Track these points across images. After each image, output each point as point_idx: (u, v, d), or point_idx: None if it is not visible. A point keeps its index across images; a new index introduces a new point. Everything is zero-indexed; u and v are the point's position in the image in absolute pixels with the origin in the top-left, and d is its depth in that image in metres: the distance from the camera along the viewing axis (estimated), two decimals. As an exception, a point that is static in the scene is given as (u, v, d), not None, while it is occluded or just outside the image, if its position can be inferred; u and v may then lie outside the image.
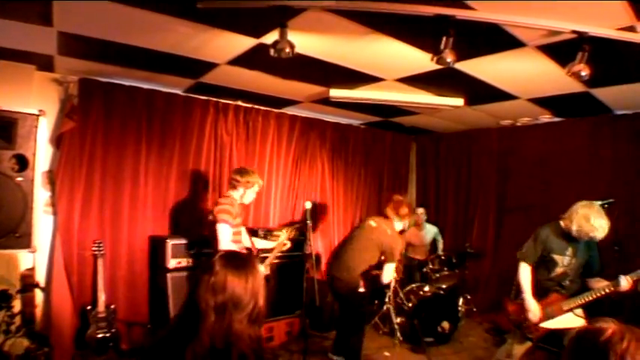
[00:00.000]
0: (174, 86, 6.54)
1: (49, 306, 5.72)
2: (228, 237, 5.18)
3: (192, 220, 6.93)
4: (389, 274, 5.87)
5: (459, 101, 6.56)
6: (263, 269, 5.25)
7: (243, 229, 5.78)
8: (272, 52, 3.93)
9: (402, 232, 6.12)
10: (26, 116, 4.96)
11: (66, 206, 5.87)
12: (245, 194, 5.44)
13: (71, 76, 5.92)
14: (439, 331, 6.55)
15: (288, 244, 5.88)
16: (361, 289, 5.82)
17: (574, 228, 4.65)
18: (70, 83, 5.94)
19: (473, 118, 7.88)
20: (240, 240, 5.47)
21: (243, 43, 4.65)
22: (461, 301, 7.96)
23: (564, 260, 4.78)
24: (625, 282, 4.35)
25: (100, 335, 5.63)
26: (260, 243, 6.03)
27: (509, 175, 8.47)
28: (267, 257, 5.75)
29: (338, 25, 4.06)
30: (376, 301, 7.87)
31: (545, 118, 7.59)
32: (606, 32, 3.83)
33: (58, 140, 5.86)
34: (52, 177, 5.86)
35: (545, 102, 6.55)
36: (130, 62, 5.48)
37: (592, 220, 4.59)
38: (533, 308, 4.77)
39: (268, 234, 6.52)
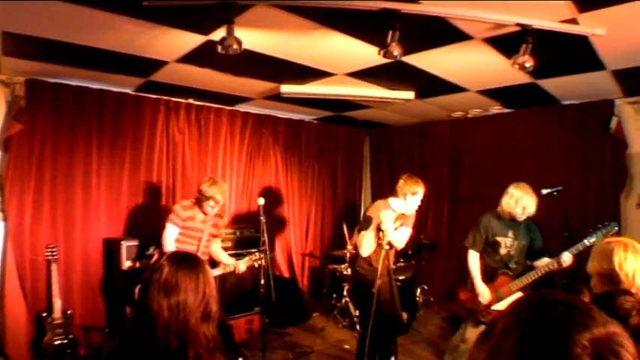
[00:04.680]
0: (124, 85, 6.45)
1: (3, 314, 5.61)
2: (172, 236, 5.24)
3: (147, 221, 6.87)
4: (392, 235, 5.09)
5: (409, 94, 6.61)
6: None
7: (218, 242, 5.81)
8: (219, 48, 3.93)
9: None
10: (-29, 120, 4.82)
11: (16, 211, 5.74)
12: (202, 205, 5.39)
13: (17, 77, 5.77)
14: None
15: (242, 269, 5.62)
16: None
17: (504, 208, 4.97)
18: (16, 84, 5.78)
19: (424, 110, 7.97)
20: (192, 243, 5.39)
21: (192, 40, 4.61)
22: (418, 291, 8.06)
23: (507, 242, 5.04)
24: (567, 257, 4.55)
25: (57, 342, 5.54)
26: (224, 258, 5.90)
27: (462, 166, 8.63)
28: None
29: (285, 20, 4.06)
30: (334, 295, 7.92)
31: (496, 109, 7.73)
32: (549, 25, 3.93)
33: (5, 143, 5.71)
34: (0, 181, 5.71)
35: (494, 93, 6.66)
36: (77, 62, 5.38)
37: (513, 200, 4.95)
38: (483, 291, 4.99)
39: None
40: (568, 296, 1.14)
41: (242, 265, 5.57)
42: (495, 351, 1.12)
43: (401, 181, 5.29)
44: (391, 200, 5.35)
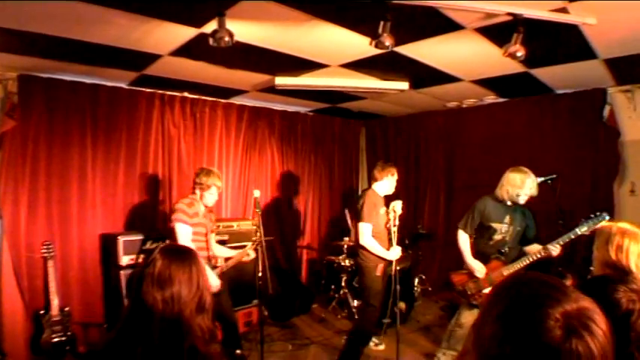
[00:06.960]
0: (117, 80, 6.43)
1: (0, 313, 5.56)
2: (187, 236, 5.01)
3: (143, 216, 6.87)
4: (361, 234, 5.54)
5: (403, 85, 6.62)
6: (215, 281, 5.11)
7: (212, 236, 5.68)
8: (211, 41, 3.94)
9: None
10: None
11: (11, 208, 5.71)
12: (203, 196, 5.26)
13: (10, 73, 5.72)
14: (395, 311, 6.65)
15: (252, 255, 5.56)
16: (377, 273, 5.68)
17: (504, 191, 5.03)
18: (8, 80, 5.73)
19: (419, 101, 7.98)
20: (201, 240, 5.26)
21: (184, 33, 4.60)
22: (416, 281, 8.08)
23: (502, 228, 5.10)
24: (554, 248, 4.67)
25: (55, 339, 5.52)
26: (222, 250, 5.81)
27: (457, 156, 8.67)
28: (220, 266, 5.50)
29: (277, 12, 4.05)
30: (333, 286, 7.96)
31: (490, 99, 7.75)
32: (540, 14, 3.94)
33: (-1, 140, 5.69)
34: (-6, 179, 5.70)
35: (488, 83, 6.68)
36: (70, 57, 5.35)
37: (518, 180, 4.99)
38: (476, 266, 5.09)
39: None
40: (545, 276, 1.24)
41: (252, 252, 5.53)
42: (481, 324, 1.22)
43: (379, 167, 5.78)
44: (376, 186, 5.74)
